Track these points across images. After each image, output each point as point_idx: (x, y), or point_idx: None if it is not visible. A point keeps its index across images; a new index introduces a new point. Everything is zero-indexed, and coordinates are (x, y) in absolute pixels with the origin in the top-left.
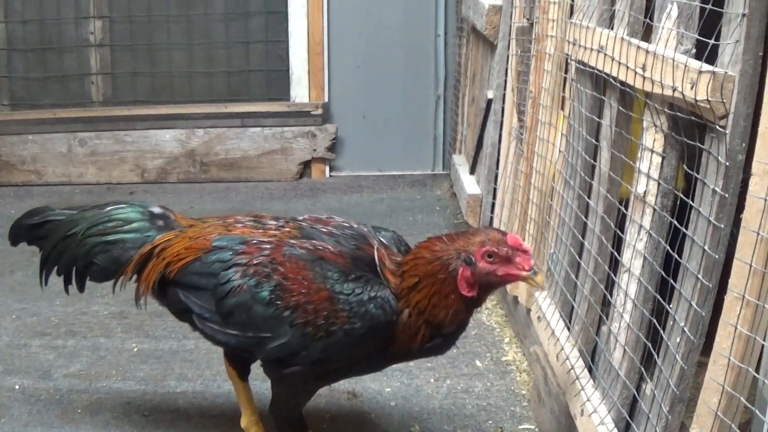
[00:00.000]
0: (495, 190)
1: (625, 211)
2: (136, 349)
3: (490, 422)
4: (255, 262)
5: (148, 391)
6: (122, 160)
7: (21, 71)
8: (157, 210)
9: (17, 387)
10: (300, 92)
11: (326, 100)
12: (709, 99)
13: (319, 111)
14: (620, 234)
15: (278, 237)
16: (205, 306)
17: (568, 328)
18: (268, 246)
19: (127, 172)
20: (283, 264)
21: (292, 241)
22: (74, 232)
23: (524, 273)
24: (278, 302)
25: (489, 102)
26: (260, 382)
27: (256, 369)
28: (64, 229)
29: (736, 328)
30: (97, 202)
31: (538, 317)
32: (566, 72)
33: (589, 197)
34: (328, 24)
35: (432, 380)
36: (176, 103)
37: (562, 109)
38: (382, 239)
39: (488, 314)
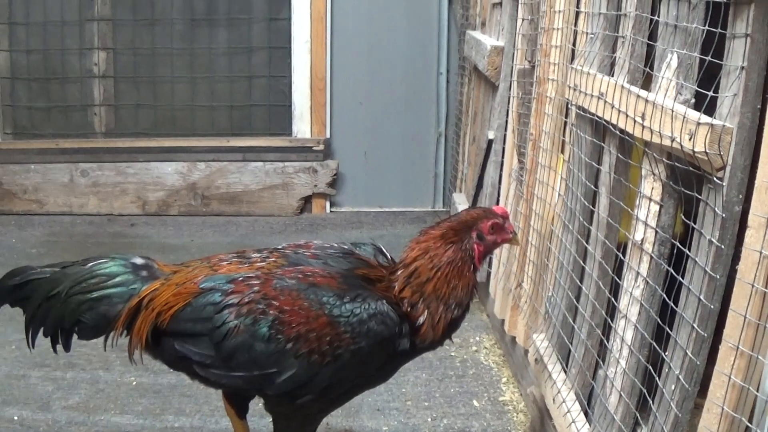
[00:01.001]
0: None
1: (622, 258)
2: (134, 383)
3: None
4: (247, 300)
5: (146, 425)
6: (124, 191)
7: (24, 101)
8: (139, 261)
9: (16, 418)
10: (302, 128)
11: (328, 135)
12: (707, 151)
13: (321, 147)
14: (617, 280)
15: (265, 269)
16: (205, 352)
17: (565, 371)
18: (256, 282)
19: (128, 203)
20: (276, 298)
21: (278, 271)
22: (57, 291)
23: (511, 236)
24: (279, 336)
25: (490, 142)
26: (258, 418)
27: (254, 405)
28: (46, 288)
29: (730, 378)
30: (97, 233)
31: (536, 359)
32: (566, 116)
33: (587, 242)
34: (331, 60)
35: (429, 419)
36: (178, 135)
37: (562, 152)
38: (363, 253)
39: (486, 354)
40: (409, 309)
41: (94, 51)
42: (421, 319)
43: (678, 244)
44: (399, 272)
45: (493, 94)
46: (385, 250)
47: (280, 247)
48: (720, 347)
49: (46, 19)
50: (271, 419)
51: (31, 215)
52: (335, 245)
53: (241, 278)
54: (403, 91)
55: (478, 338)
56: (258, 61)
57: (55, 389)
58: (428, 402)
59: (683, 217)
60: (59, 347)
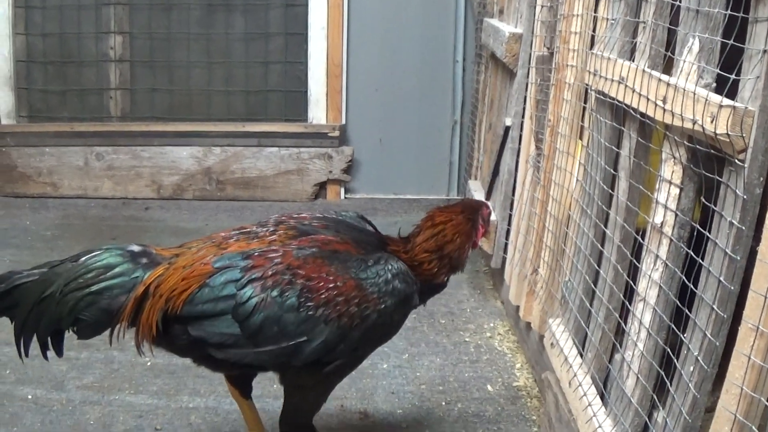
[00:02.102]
0: (510, 216)
1: (641, 241)
2: (149, 364)
3: None
4: (271, 272)
5: (161, 405)
6: (138, 175)
7: (40, 84)
8: (136, 248)
9: (30, 396)
10: (317, 114)
11: (343, 122)
12: (729, 133)
13: (336, 133)
14: (636, 263)
15: (277, 242)
16: (226, 332)
17: (581, 355)
18: (275, 254)
19: (142, 187)
20: (301, 267)
21: (293, 242)
22: (51, 292)
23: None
24: (309, 304)
25: (506, 129)
26: (272, 400)
27: (260, 388)
28: (37, 291)
29: (749, 358)
30: (111, 216)
31: (551, 344)
32: (585, 102)
33: (605, 226)
34: (348, 47)
35: (443, 403)
36: (194, 120)
37: (581, 138)
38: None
39: (500, 340)
40: (426, 261)
41: (110, 35)
42: (435, 270)
43: (698, 227)
44: (424, 230)
45: (511, 81)
46: (368, 219)
47: (281, 219)
48: (739, 328)
49: (63, 2)
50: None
51: (46, 198)
52: (328, 215)
53: (257, 253)
54: (419, 79)
55: (492, 324)
56: (274, 47)
57: (69, 369)
58: (442, 386)
59: (703, 200)
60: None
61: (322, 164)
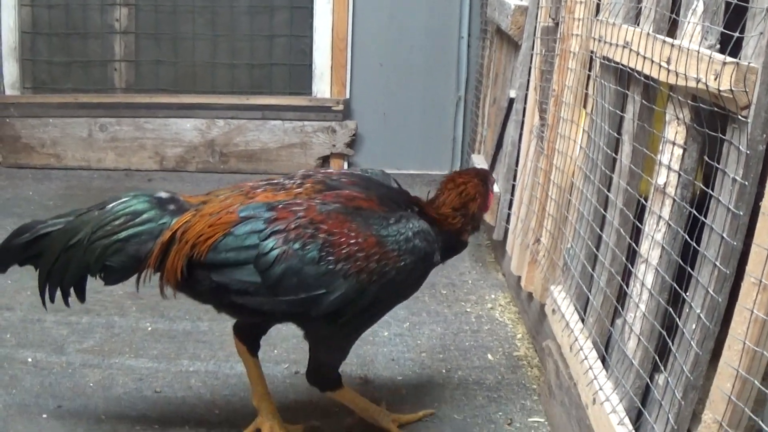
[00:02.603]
0: (513, 187)
1: (644, 203)
2: (150, 329)
3: (500, 414)
4: (294, 225)
5: (161, 368)
6: (142, 147)
7: (45, 55)
8: (164, 195)
9: (30, 360)
10: (322, 87)
11: (347, 96)
12: (732, 89)
13: (340, 107)
14: (639, 225)
15: (303, 194)
16: (248, 280)
17: (583, 321)
18: (299, 207)
19: (146, 159)
20: (323, 221)
21: (318, 197)
22: (78, 239)
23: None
24: (329, 258)
25: (511, 101)
26: (273, 365)
27: (261, 352)
28: (64, 239)
29: (752, 312)
30: (114, 187)
31: (553, 310)
32: (590, 69)
33: (608, 191)
34: (353, 21)
35: (443, 371)
36: (198, 93)
37: (584, 106)
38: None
39: (501, 311)
40: (451, 216)
41: (115, 6)
42: (459, 226)
43: (701, 185)
44: (447, 190)
45: (515, 54)
46: (390, 175)
47: (309, 173)
48: (742, 284)
49: None
50: (285, 366)
51: (49, 169)
52: (355, 172)
53: (281, 205)
54: (424, 54)
55: (493, 296)
56: (279, 20)
57: (69, 333)
58: (443, 354)
59: (706, 158)
60: (71, 299)
61: (326, 138)
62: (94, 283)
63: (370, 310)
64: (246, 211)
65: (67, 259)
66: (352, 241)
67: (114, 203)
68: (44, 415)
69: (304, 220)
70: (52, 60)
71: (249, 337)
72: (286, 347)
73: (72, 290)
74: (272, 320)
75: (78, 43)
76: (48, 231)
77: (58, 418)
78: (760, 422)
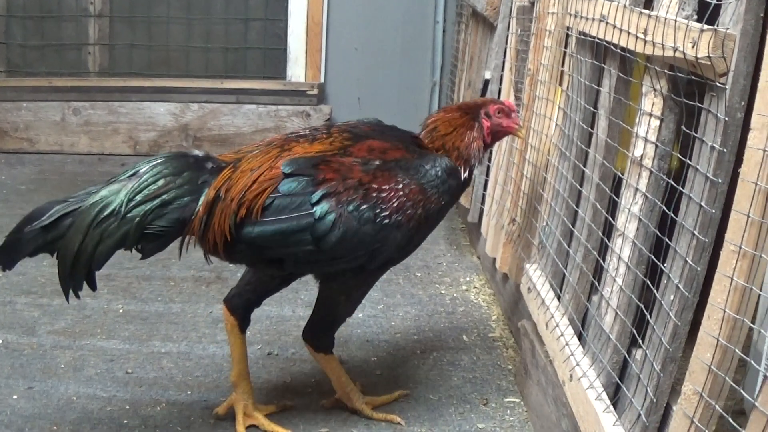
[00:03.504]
0: (488, 168)
1: (621, 176)
2: (122, 310)
3: (476, 394)
4: (343, 188)
5: (132, 350)
6: (115, 131)
7: (19, 38)
8: (200, 153)
9: (0, 341)
10: (296, 72)
11: (322, 80)
12: (711, 56)
13: (315, 91)
14: (615, 198)
15: (336, 143)
16: (304, 246)
17: (559, 298)
18: (344, 168)
19: (119, 143)
20: (372, 181)
21: (352, 149)
22: (111, 210)
23: (517, 126)
24: (383, 214)
25: (486, 83)
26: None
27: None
28: (92, 213)
29: (732, 280)
30: (87, 172)
31: (528, 288)
32: (566, 47)
33: (585, 167)
34: (328, 5)
35: (418, 351)
36: (172, 76)
37: (560, 84)
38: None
39: (476, 293)
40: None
41: None
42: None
43: (678, 155)
44: (421, 134)
45: (491, 36)
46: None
47: (327, 124)
48: (721, 252)
49: None
50: (258, 347)
51: (22, 153)
52: (365, 119)
53: (321, 163)
54: (399, 39)
55: (468, 278)
56: (254, 4)
57: (41, 315)
58: (417, 336)
59: (684, 128)
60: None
61: (300, 122)
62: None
63: (407, 249)
64: (290, 166)
65: (99, 236)
66: (400, 194)
67: (148, 165)
68: (15, 396)
69: (352, 181)
70: (26, 43)
71: (243, 309)
72: (258, 329)
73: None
74: (314, 274)
75: (52, 27)
76: (70, 210)
77: (29, 399)
78: (742, 391)
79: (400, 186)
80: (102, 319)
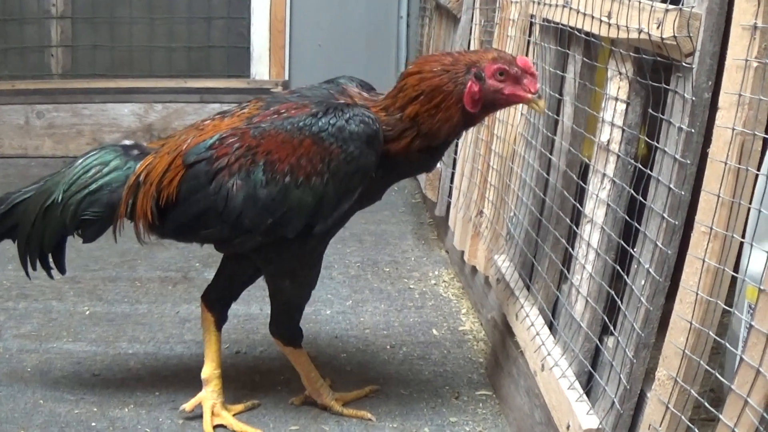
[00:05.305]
0: (455, 161)
1: (588, 162)
2: (88, 312)
3: (447, 388)
4: (233, 159)
5: (99, 352)
6: (80, 133)
7: None
8: (129, 142)
9: None
10: (260, 69)
11: (286, 78)
12: (676, 36)
13: (279, 89)
14: (583, 185)
15: (245, 116)
16: (213, 222)
17: (528, 288)
18: (234, 139)
19: (83, 145)
20: (258, 144)
21: (256, 119)
22: (53, 200)
23: (529, 95)
24: (275, 175)
25: None
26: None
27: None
28: (38, 202)
29: (704, 261)
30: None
31: (497, 279)
32: (530, 35)
33: (551, 155)
34: (291, 2)
35: (388, 347)
36: (135, 77)
37: None
38: (347, 82)
39: (445, 287)
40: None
41: None
42: (391, 133)
43: (645, 138)
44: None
45: (455, 28)
46: (366, 82)
47: (260, 96)
48: (692, 234)
49: None
50: (226, 346)
51: None
52: (324, 85)
53: (217, 141)
54: (363, 35)
55: (437, 272)
56: (217, 3)
57: (6, 319)
58: (387, 331)
59: (651, 110)
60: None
61: None
62: (31, 271)
63: (338, 213)
64: (188, 157)
65: (45, 222)
66: (289, 151)
67: (83, 158)
68: None
69: (242, 150)
70: None
71: (220, 304)
72: (226, 327)
73: (51, 261)
74: (249, 251)
75: (14, 29)
76: (22, 199)
77: None
78: (717, 374)
79: (287, 142)
80: (68, 321)
